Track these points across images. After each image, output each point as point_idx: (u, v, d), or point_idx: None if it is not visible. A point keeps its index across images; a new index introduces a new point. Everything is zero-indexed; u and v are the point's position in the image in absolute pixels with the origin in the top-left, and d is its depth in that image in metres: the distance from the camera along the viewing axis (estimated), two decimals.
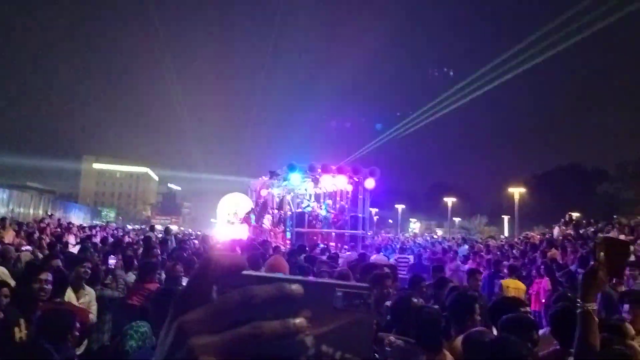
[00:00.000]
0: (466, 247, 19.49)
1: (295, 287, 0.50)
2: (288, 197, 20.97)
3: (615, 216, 19.63)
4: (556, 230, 21.04)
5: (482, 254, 15.31)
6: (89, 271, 6.62)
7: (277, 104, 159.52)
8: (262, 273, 0.54)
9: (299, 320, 0.49)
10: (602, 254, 2.73)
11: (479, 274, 7.42)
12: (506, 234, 41.85)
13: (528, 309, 3.92)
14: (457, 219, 63.14)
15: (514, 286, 7.32)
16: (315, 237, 17.94)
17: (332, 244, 17.59)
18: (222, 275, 0.52)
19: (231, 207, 30.71)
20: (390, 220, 64.43)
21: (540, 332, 3.48)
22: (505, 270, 10.09)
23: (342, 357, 0.50)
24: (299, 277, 0.53)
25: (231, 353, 0.47)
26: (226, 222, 28.09)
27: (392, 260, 12.63)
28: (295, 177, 19.01)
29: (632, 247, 9.82)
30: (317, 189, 20.41)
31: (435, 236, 40.83)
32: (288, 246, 15.87)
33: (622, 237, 12.93)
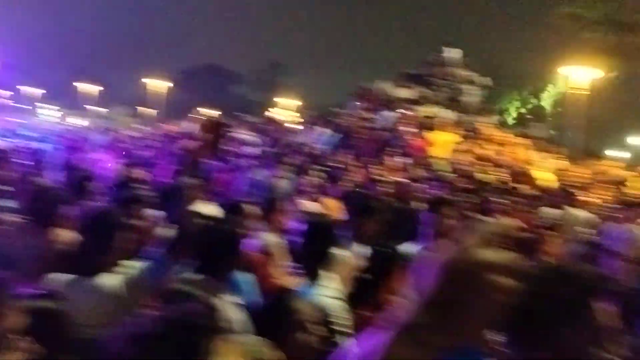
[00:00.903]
0: (104, 137, 19.10)
1: None
2: None
3: (242, 114, 21.93)
4: (192, 125, 22.32)
5: (119, 144, 15.35)
6: None
7: None
8: None
9: None
10: (203, 133, 3.36)
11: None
12: (148, 126, 42.26)
13: (144, 186, 4.47)
14: (95, 108, 60.25)
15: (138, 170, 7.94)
16: None
17: None
18: None
19: None
20: (16, 104, 56.86)
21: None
22: (138, 160, 10.50)
23: None
24: None
25: None
26: None
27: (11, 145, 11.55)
28: None
29: (230, 131, 11.09)
30: None
31: (71, 124, 38.41)
32: None
33: (244, 132, 14.70)
